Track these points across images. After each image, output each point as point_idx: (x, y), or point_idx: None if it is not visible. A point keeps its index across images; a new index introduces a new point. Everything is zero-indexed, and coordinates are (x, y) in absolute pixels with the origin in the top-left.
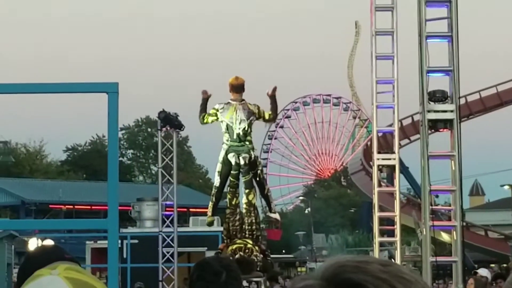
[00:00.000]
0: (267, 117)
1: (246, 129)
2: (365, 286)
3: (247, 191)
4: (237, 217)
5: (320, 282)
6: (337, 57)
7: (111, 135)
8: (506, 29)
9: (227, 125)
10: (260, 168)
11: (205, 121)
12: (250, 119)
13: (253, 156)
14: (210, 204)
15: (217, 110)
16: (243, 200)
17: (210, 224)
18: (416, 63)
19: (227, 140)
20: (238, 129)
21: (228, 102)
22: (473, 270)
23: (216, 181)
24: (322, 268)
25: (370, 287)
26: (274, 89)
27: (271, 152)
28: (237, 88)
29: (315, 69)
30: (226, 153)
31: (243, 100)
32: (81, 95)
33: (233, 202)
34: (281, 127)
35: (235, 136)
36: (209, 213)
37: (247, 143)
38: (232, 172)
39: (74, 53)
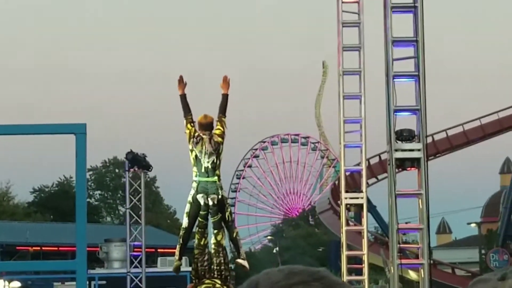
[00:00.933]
0: (218, 132)
1: (214, 161)
2: None
3: (215, 231)
4: (206, 257)
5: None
6: (305, 96)
7: (79, 176)
8: (472, 67)
9: (196, 156)
10: (228, 210)
11: (187, 127)
12: (218, 150)
13: (221, 196)
14: (178, 247)
15: (192, 136)
16: (212, 240)
17: (177, 269)
18: (383, 102)
19: (196, 176)
20: (206, 162)
21: (199, 136)
22: None
23: (185, 222)
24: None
25: None
26: (225, 79)
27: (239, 191)
28: (206, 126)
29: (283, 108)
30: (195, 193)
31: (211, 133)
32: (48, 136)
33: (202, 243)
34: (249, 166)
35: (203, 170)
36: (176, 257)
37: (215, 178)
38: (201, 212)
39: (38, 95)
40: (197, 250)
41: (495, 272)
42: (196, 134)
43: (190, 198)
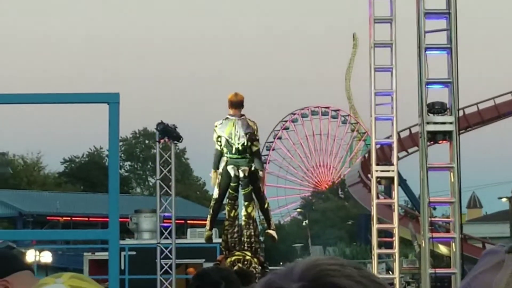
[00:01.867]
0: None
1: (245, 144)
2: None
3: (246, 203)
4: (236, 229)
5: (300, 284)
6: (335, 70)
7: (112, 145)
8: (504, 41)
9: (226, 140)
10: (260, 182)
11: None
12: (249, 133)
13: (253, 168)
14: (209, 217)
15: (216, 126)
16: (242, 212)
17: (208, 239)
18: (414, 75)
19: (226, 153)
20: (237, 144)
21: (227, 118)
22: None
23: (215, 193)
24: (298, 269)
25: None
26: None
27: (268, 163)
28: (236, 104)
29: (313, 83)
30: (226, 165)
31: (243, 115)
32: (79, 106)
33: (232, 214)
34: (279, 138)
35: (234, 151)
36: (207, 227)
37: (247, 154)
38: (231, 184)
39: (71, 65)
40: (227, 222)
41: (504, 243)
42: (218, 122)
43: (220, 170)
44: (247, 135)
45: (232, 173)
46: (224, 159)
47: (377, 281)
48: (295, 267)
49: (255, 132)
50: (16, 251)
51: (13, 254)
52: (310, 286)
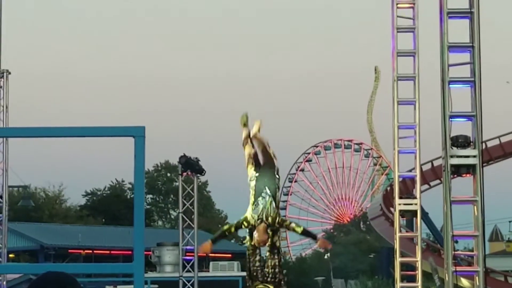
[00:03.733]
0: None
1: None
2: None
3: (271, 232)
4: (258, 257)
5: None
6: (357, 102)
7: (138, 178)
8: None
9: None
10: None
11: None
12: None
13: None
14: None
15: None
16: (267, 242)
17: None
18: (435, 108)
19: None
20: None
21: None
22: None
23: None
24: None
25: None
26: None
27: (291, 194)
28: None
29: (336, 115)
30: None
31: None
32: (101, 139)
33: (253, 242)
34: (302, 170)
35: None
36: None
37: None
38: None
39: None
40: (250, 249)
41: None
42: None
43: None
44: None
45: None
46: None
47: None
48: None
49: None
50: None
51: (72, 278)
52: None
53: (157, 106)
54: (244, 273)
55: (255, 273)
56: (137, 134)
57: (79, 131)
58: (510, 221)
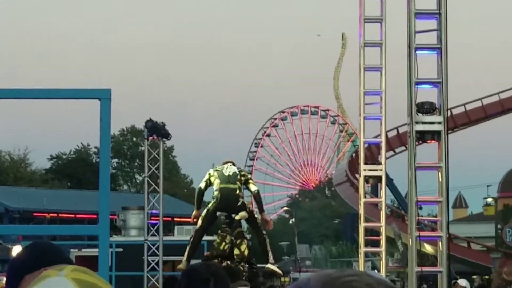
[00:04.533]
0: (252, 189)
1: (236, 173)
2: None
3: (238, 241)
4: (224, 264)
5: None
6: (324, 68)
7: (103, 142)
8: (491, 42)
9: (218, 171)
10: (257, 215)
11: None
12: (240, 170)
13: (249, 210)
14: (187, 248)
15: (211, 173)
16: (235, 251)
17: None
18: (403, 75)
19: (218, 184)
20: (228, 172)
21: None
22: (454, 280)
23: (199, 223)
24: (316, 285)
25: None
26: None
27: (256, 159)
28: (228, 161)
29: (303, 82)
30: (216, 203)
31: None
32: (66, 103)
33: (221, 248)
34: (268, 135)
35: (224, 178)
36: (184, 257)
37: (236, 186)
38: (225, 220)
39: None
40: (214, 253)
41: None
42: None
43: (210, 206)
44: (238, 170)
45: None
46: (215, 194)
47: (392, 286)
48: (308, 284)
49: (249, 176)
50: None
51: (57, 246)
52: None
53: (122, 71)
54: (209, 238)
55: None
56: (103, 96)
57: (44, 93)
58: (488, 186)
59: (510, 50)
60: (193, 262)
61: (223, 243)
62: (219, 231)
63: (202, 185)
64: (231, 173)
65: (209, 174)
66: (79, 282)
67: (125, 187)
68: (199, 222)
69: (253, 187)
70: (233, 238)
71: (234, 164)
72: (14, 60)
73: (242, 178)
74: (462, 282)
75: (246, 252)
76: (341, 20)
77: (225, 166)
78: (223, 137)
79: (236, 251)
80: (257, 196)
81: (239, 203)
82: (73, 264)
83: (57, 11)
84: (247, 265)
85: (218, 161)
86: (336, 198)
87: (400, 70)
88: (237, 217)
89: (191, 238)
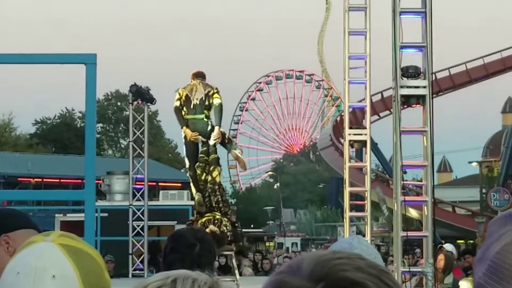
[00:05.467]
0: (215, 103)
1: (203, 99)
2: (365, 284)
3: (212, 168)
4: (206, 193)
5: (310, 285)
6: (309, 33)
7: (89, 106)
8: (476, 7)
9: (186, 95)
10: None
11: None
12: (208, 91)
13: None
14: (191, 184)
15: (179, 89)
16: (208, 178)
17: (199, 203)
18: (387, 39)
19: (185, 114)
20: (195, 100)
21: (188, 84)
22: (439, 245)
23: (186, 163)
24: (307, 267)
25: (370, 285)
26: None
27: (241, 123)
28: (198, 74)
29: (288, 45)
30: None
31: (204, 81)
32: (51, 68)
33: (203, 178)
34: (253, 99)
35: (191, 106)
36: (194, 191)
37: (203, 116)
38: (201, 149)
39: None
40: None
41: None
42: (185, 93)
43: (183, 140)
44: (206, 91)
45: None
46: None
47: (383, 269)
48: (301, 265)
49: (216, 90)
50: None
51: (19, 212)
52: (320, 282)
53: (107, 37)
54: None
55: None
56: (89, 61)
57: (29, 57)
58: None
59: (495, 14)
60: (178, 227)
61: (204, 174)
62: (199, 163)
63: (177, 103)
64: (197, 101)
65: (179, 94)
66: (66, 247)
67: (110, 151)
68: (186, 160)
69: (216, 101)
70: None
71: (204, 78)
72: None
73: (210, 101)
74: (448, 246)
75: (217, 179)
76: None
77: (194, 86)
78: None
79: (209, 177)
80: (217, 109)
81: (209, 128)
82: (39, 229)
83: None
84: (231, 227)
85: None
86: (321, 162)
87: (384, 34)
88: (211, 142)
89: (189, 177)
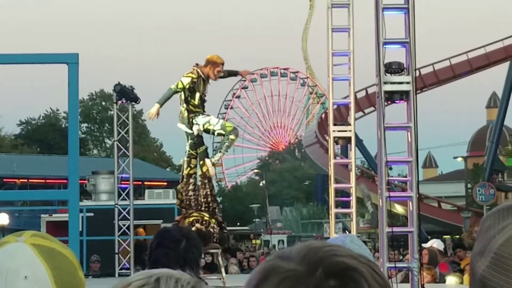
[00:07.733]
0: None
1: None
2: (361, 271)
3: (201, 162)
4: (190, 187)
5: (303, 269)
6: (294, 31)
7: (72, 106)
8: (460, 3)
9: (200, 97)
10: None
11: (188, 77)
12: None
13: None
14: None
15: (198, 77)
16: (198, 172)
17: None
18: (371, 35)
19: (189, 102)
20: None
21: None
22: (427, 241)
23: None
24: (299, 253)
25: (365, 272)
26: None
27: (226, 121)
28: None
29: (272, 43)
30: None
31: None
32: (36, 68)
33: (186, 172)
34: (238, 97)
35: (197, 101)
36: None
37: (203, 110)
38: (188, 142)
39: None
40: (181, 180)
41: None
42: (201, 75)
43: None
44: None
45: (186, 129)
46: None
47: (372, 261)
48: (292, 252)
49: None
50: None
51: None
52: (314, 267)
53: (91, 36)
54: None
55: (188, 202)
56: (71, 61)
57: (11, 58)
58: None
59: (476, 10)
60: (164, 225)
61: (188, 168)
62: (185, 157)
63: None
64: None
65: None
66: (38, 247)
67: (95, 151)
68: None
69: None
70: (200, 161)
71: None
72: None
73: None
74: (435, 242)
75: (208, 173)
76: None
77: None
78: None
79: (199, 171)
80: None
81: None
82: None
83: None
84: (218, 228)
85: None
86: (306, 159)
87: (368, 31)
88: (194, 130)
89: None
